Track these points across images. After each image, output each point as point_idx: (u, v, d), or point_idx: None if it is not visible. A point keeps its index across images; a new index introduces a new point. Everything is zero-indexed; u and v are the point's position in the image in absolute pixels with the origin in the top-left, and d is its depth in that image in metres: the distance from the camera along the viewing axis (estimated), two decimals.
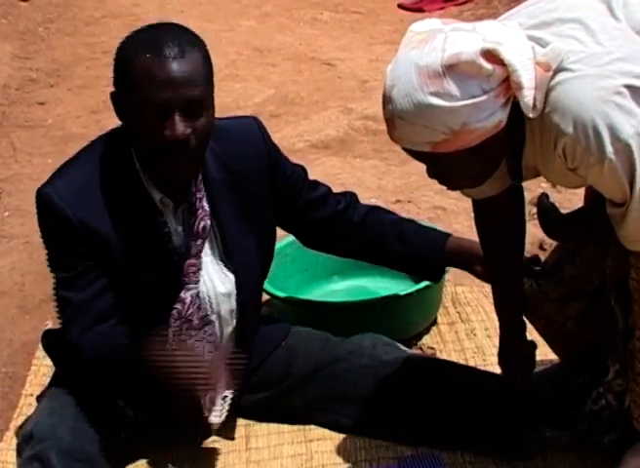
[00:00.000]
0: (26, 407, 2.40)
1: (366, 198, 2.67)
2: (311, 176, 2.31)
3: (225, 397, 2.11)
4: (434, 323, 2.68)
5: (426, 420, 2.17)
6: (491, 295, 2.18)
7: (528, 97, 1.61)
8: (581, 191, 2.10)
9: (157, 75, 1.85)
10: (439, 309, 2.71)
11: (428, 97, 1.59)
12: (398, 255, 2.31)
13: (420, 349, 2.58)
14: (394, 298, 2.49)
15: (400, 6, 6.26)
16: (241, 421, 2.31)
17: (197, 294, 2.07)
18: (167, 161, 1.91)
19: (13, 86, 5.04)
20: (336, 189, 2.36)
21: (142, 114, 1.88)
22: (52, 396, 2.10)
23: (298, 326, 2.37)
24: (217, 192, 2.08)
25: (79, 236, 1.96)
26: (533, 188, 2.71)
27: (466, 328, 2.66)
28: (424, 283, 2.47)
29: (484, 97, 1.60)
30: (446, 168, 1.72)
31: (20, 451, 2.02)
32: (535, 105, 1.63)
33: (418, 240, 2.30)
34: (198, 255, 2.06)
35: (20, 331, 2.79)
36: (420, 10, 6.07)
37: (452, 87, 1.58)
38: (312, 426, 2.29)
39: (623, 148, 1.60)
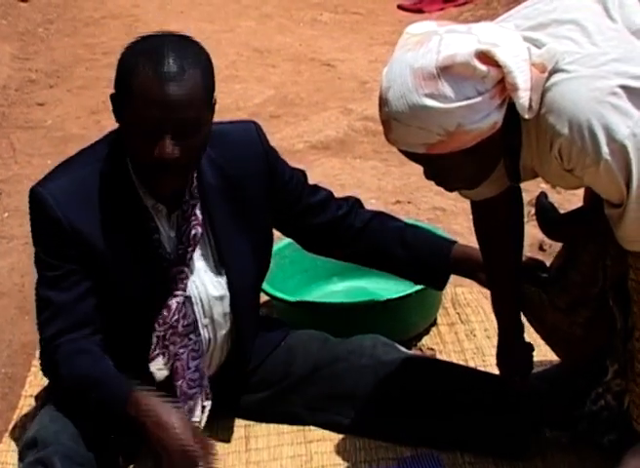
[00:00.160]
0: (26, 407, 2.40)
1: (366, 199, 2.66)
2: (311, 177, 2.31)
3: (204, 407, 2.13)
4: (434, 324, 2.68)
5: (426, 421, 2.17)
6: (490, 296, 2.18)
7: (523, 98, 1.61)
8: (581, 192, 2.09)
9: (154, 95, 1.83)
10: (439, 310, 2.70)
11: (423, 99, 1.60)
12: (401, 261, 2.30)
13: (420, 350, 2.57)
14: (394, 299, 2.48)
15: (400, 7, 6.27)
16: (241, 422, 2.31)
17: (184, 302, 2.06)
18: (155, 175, 1.92)
19: (12, 87, 5.04)
20: (335, 190, 2.36)
21: (135, 128, 1.87)
22: (52, 403, 2.09)
23: (297, 327, 2.37)
24: (212, 199, 2.07)
25: (68, 238, 1.97)
26: (532, 189, 2.70)
27: (466, 328, 2.66)
28: None
29: (479, 99, 1.60)
30: (442, 169, 1.72)
31: (22, 457, 2.02)
32: (530, 107, 1.63)
33: (422, 247, 2.29)
34: (187, 262, 2.05)
35: (20, 331, 2.79)
36: (420, 11, 6.07)
37: (446, 88, 1.59)
38: (312, 427, 2.29)
39: (619, 149, 1.60)
